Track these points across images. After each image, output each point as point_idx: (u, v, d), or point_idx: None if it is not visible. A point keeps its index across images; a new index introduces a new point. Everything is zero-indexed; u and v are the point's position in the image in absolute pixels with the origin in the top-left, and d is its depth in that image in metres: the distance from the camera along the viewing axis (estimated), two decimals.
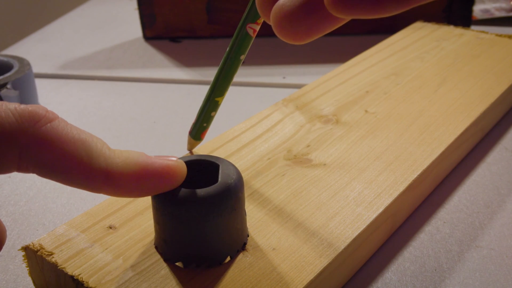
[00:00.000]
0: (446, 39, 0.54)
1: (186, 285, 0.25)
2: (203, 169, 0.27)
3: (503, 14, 0.74)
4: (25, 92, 0.49)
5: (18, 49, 0.68)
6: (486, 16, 0.73)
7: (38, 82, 0.57)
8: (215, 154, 0.35)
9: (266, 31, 0.44)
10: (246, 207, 0.30)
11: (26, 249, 0.28)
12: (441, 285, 0.30)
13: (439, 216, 0.35)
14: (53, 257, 0.27)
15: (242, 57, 0.32)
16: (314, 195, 0.32)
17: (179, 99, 0.54)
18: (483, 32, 0.56)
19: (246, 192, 0.32)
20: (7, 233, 0.35)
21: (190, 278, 0.26)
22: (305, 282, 0.26)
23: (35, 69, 0.60)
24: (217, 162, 0.27)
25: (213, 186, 0.25)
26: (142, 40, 0.69)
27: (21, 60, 0.51)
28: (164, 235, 0.26)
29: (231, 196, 0.26)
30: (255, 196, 0.32)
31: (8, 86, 0.47)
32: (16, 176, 0.41)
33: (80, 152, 0.22)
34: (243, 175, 0.33)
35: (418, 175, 0.34)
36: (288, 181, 0.33)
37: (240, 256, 0.27)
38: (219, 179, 0.26)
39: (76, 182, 0.23)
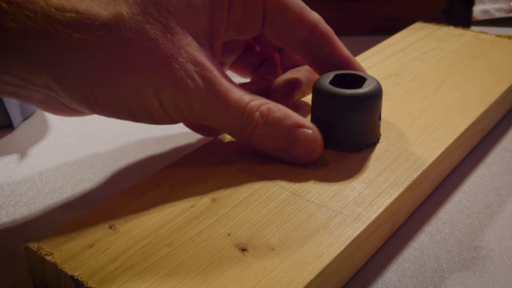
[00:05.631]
0: (446, 40, 0.54)
1: (186, 286, 0.25)
2: (352, 80, 0.36)
3: (503, 14, 0.74)
4: None
5: None
6: (486, 16, 0.74)
7: None
8: (218, 155, 0.35)
9: None
10: (245, 207, 0.30)
11: (26, 249, 0.28)
12: (441, 285, 0.30)
13: (439, 217, 0.35)
14: (53, 257, 0.27)
15: None
16: (314, 195, 0.32)
17: None
18: (483, 32, 0.56)
19: (246, 192, 0.32)
20: (7, 233, 0.35)
21: (191, 279, 0.26)
22: (305, 282, 0.26)
23: None
24: (364, 76, 0.36)
25: (359, 89, 0.34)
26: None
27: None
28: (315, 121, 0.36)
29: (368, 99, 0.34)
30: (255, 196, 0.32)
31: None
32: (16, 176, 0.41)
33: None
34: (243, 175, 0.33)
35: (418, 175, 0.34)
36: (288, 181, 0.33)
37: (240, 256, 0.27)
38: (365, 86, 0.35)
39: None
